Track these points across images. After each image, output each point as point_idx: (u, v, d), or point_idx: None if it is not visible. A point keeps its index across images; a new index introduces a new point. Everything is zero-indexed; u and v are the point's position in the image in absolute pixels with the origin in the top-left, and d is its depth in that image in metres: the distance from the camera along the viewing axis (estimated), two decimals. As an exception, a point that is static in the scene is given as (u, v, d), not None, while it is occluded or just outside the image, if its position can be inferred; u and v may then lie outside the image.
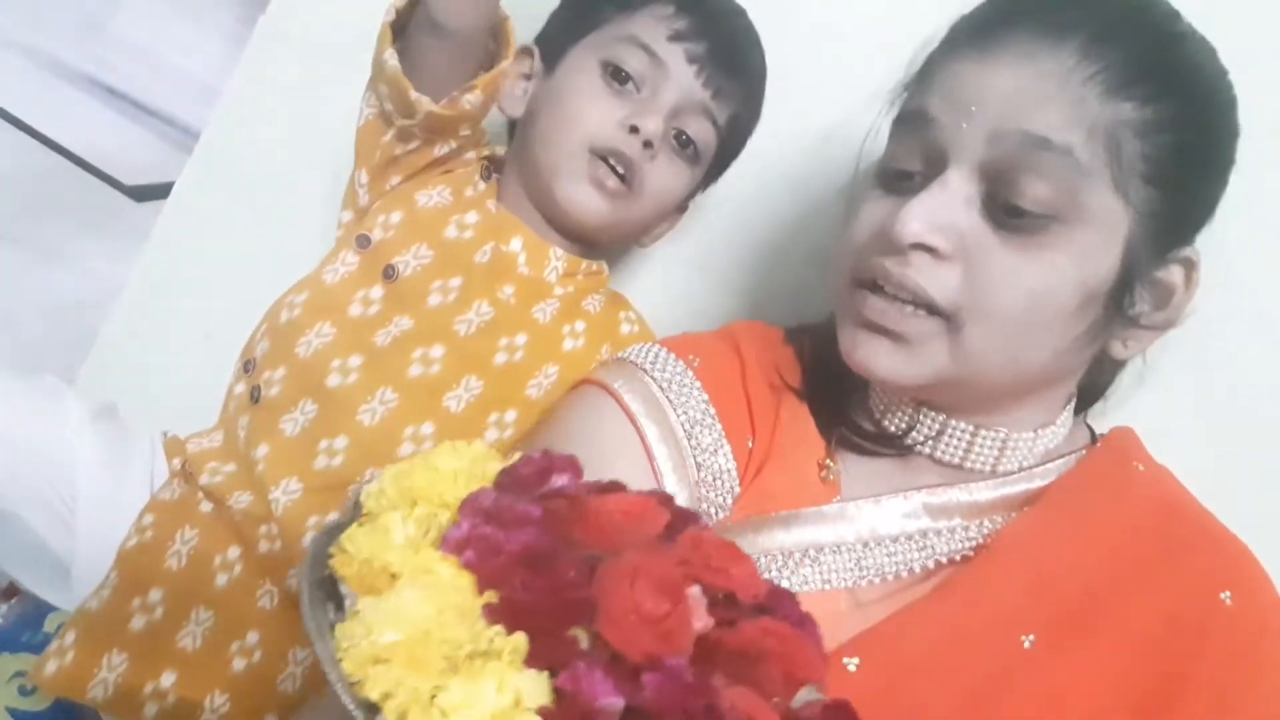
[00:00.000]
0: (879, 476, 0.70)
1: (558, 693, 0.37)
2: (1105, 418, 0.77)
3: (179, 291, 1.02)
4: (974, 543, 0.67)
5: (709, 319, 0.94)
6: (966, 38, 0.65)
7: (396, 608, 0.38)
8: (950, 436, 0.68)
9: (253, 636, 0.77)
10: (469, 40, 0.80)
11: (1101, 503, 0.68)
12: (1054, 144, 0.59)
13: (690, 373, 0.72)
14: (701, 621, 0.40)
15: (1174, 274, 0.64)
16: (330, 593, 0.42)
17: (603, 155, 0.81)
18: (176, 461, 0.83)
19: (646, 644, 0.38)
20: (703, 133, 0.84)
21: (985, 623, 0.63)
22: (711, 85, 0.82)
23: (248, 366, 0.85)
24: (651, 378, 0.71)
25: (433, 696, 0.36)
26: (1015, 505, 0.68)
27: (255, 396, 0.83)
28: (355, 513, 0.45)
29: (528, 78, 0.87)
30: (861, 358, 0.65)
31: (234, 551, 0.78)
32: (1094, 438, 0.74)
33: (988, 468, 0.69)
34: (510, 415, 0.82)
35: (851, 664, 0.61)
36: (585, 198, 0.82)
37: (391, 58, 0.78)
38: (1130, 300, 0.63)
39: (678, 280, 0.98)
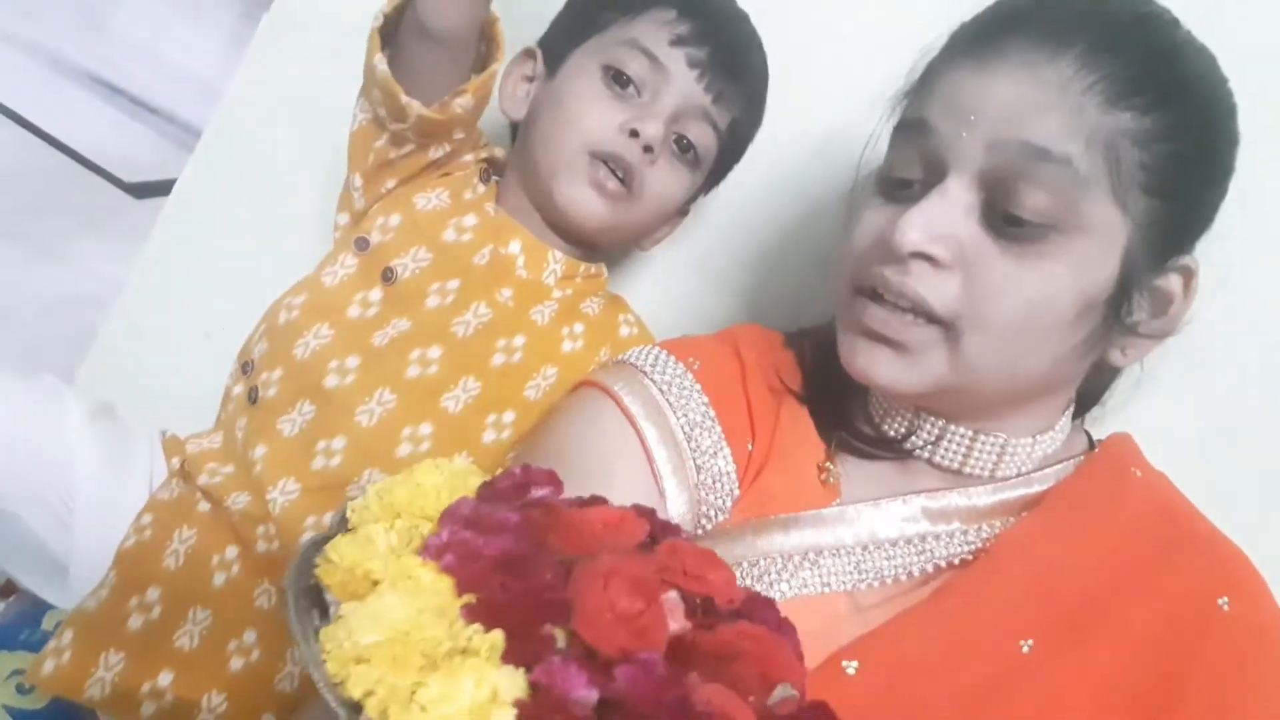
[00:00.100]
0: (878, 480, 0.70)
1: (533, 687, 0.38)
2: (1103, 423, 0.77)
3: (179, 290, 1.02)
4: (973, 547, 0.67)
5: (708, 322, 0.94)
6: (966, 46, 0.65)
7: (377, 610, 0.39)
8: (949, 441, 0.68)
9: (250, 636, 0.76)
10: (458, 43, 0.80)
11: (1100, 508, 0.68)
12: (1053, 154, 0.59)
13: (690, 375, 0.72)
14: (678, 624, 0.41)
15: (1172, 282, 0.64)
16: (316, 600, 0.44)
17: (603, 158, 0.81)
18: (175, 461, 0.83)
19: (621, 640, 0.39)
20: (703, 137, 0.84)
21: (984, 627, 0.63)
22: (713, 90, 0.82)
23: (245, 368, 0.85)
24: (651, 380, 0.71)
25: (413, 693, 0.37)
26: (1014, 510, 0.68)
27: (253, 397, 0.83)
28: (341, 526, 0.47)
29: (530, 80, 0.87)
30: (862, 366, 0.66)
31: (232, 551, 0.78)
32: (1092, 444, 0.74)
33: (986, 473, 0.69)
34: (508, 416, 0.82)
35: (851, 667, 0.61)
36: (584, 199, 0.82)
37: (381, 63, 0.78)
38: (1128, 309, 0.63)
39: (677, 283, 0.98)
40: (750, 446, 0.71)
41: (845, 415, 0.72)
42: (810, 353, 0.76)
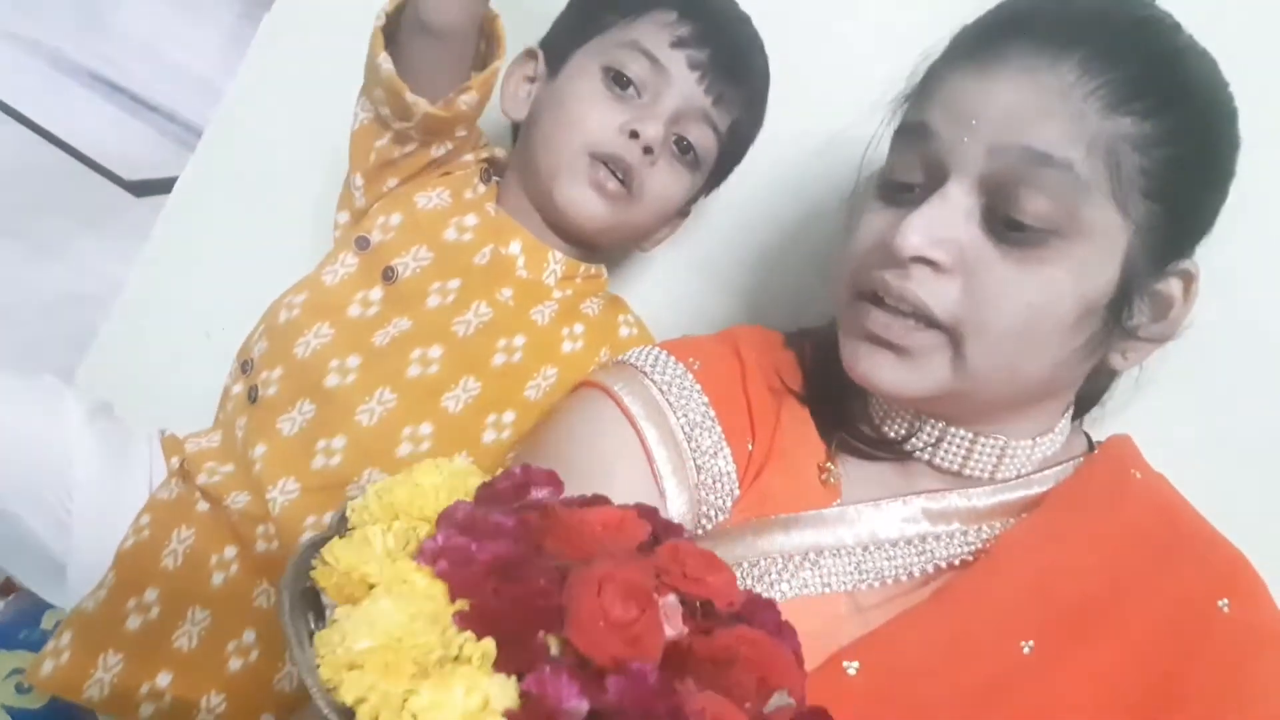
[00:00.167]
0: (879, 481, 0.70)
1: (524, 696, 0.38)
2: (1103, 425, 0.77)
3: (179, 289, 1.01)
4: (973, 548, 0.67)
5: (708, 322, 0.94)
6: (967, 51, 0.65)
7: (371, 616, 0.39)
8: (949, 443, 0.68)
9: (249, 636, 0.77)
10: (459, 39, 0.80)
11: (1100, 509, 0.68)
12: (1054, 159, 0.59)
13: (690, 375, 0.72)
14: (675, 629, 0.41)
15: (1173, 286, 0.64)
16: (312, 603, 0.44)
17: (603, 159, 0.81)
18: (175, 460, 0.83)
19: (614, 649, 0.39)
20: (703, 139, 0.84)
21: (985, 628, 0.63)
22: (713, 92, 0.82)
23: (245, 367, 0.85)
24: (651, 380, 0.71)
25: (404, 700, 0.37)
26: (1014, 511, 0.68)
27: (253, 396, 0.83)
28: (341, 526, 0.46)
29: (531, 80, 0.87)
30: (864, 371, 0.66)
31: (230, 551, 0.78)
32: (1091, 445, 0.74)
33: (986, 474, 0.69)
34: (508, 416, 0.82)
35: (851, 668, 0.61)
36: (584, 200, 0.82)
37: (385, 61, 0.78)
38: (1129, 313, 0.63)
39: (677, 283, 0.98)
40: (750, 447, 0.71)
41: (846, 416, 0.72)
42: (811, 353, 0.76)
